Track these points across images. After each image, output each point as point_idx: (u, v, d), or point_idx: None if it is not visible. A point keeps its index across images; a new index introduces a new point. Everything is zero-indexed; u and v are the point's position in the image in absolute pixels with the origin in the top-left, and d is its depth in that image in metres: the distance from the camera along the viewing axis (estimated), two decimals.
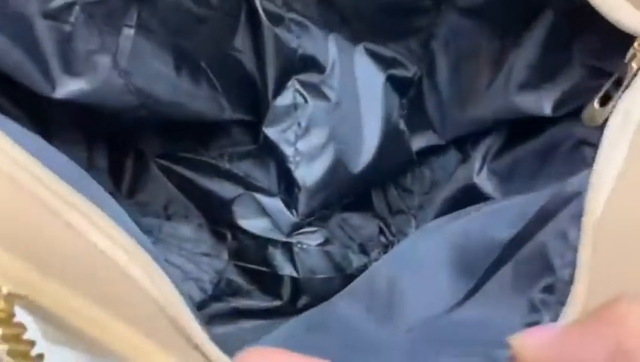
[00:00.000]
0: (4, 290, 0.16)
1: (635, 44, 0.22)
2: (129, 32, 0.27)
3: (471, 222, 0.27)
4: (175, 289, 0.17)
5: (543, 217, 0.21)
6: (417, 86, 0.36)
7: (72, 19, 0.25)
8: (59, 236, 0.15)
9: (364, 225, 0.40)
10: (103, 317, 0.16)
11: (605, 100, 0.24)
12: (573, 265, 0.18)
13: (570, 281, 0.18)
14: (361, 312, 0.26)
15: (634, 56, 0.22)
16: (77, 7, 0.25)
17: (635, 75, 0.21)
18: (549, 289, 0.19)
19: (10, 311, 0.16)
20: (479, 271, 0.23)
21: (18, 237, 0.15)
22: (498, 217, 0.25)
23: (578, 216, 0.18)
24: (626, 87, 0.21)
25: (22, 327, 0.15)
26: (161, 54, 0.29)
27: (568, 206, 0.19)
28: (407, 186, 0.40)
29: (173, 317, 0.17)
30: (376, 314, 0.26)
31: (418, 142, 0.38)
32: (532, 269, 0.19)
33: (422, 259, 0.27)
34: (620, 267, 0.17)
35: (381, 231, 0.40)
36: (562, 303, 0.18)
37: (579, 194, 0.19)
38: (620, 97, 0.22)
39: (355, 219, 0.40)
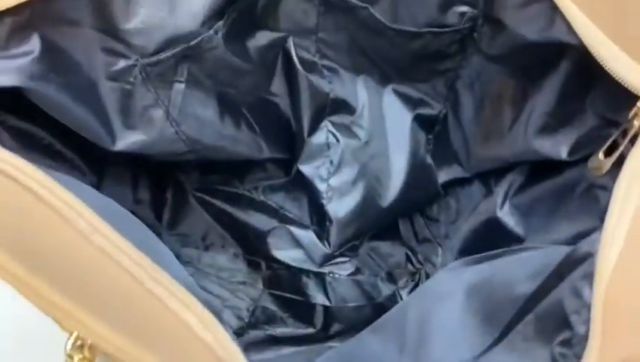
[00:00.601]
0: (90, 341, 0.18)
1: (639, 103, 0.23)
2: (180, 86, 0.30)
3: (494, 268, 0.29)
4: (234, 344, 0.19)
5: (559, 274, 0.22)
6: (443, 122, 0.38)
7: (131, 79, 0.28)
8: (144, 304, 0.17)
9: (392, 253, 0.42)
10: None
11: (612, 151, 0.26)
12: (588, 322, 0.19)
13: (586, 337, 0.19)
14: (393, 352, 0.28)
15: (636, 114, 0.23)
16: (136, 69, 0.28)
17: (638, 133, 0.23)
18: (567, 344, 0.20)
19: (92, 360, 0.18)
20: (503, 320, 0.24)
21: (115, 310, 0.17)
22: (519, 268, 0.26)
23: (591, 276, 0.20)
24: (631, 143, 0.23)
25: None
26: (208, 104, 0.32)
27: (582, 265, 0.21)
28: (434, 216, 0.42)
29: None
30: (406, 353, 0.27)
31: (444, 175, 0.39)
32: (552, 323, 0.21)
33: (450, 302, 0.28)
34: (633, 323, 0.19)
35: (408, 259, 0.42)
36: (579, 357, 0.19)
37: (590, 255, 0.20)
38: (621, 151, 0.24)
39: (383, 247, 0.42)
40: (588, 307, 0.19)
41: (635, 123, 0.24)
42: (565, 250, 0.24)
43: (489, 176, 0.37)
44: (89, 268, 0.18)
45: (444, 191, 0.40)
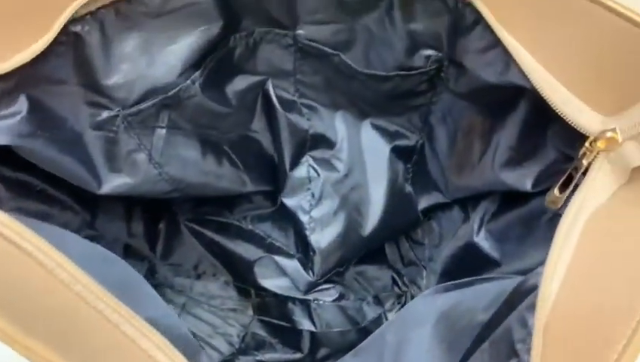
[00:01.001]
0: None
1: (587, 143, 0.25)
2: (161, 131, 0.32)
3: (462, 296, 0.30)
4: None
5: (510, 304, 0.24)
6: (420, 152, 0.40)
7: (114, 128, 0.30)
8: (120, 345, 0.19)
9: (378, 276, 0.44)
10: None
11: (568, 186, 0.27)
12: (530, 351, 0.20)
13: None
14: None
15: (584, 154, 0.25)
16: (119, 118, 0.30)
17: (585, 171, 0.24)
18: None
19: None
20: (464, 347, 0.26)
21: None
22: (481, 297, 0.28)
23: (534, 306, 0.21)
24: (577, 183, 0.24)
25: None
26: (189, 145, 0.34)
27: (529, 296, 0.22)
28: (419, 239, 0.43)
29: None
30: None
31: (425, 201, 0.41)
32: (504, 351, 0.22)
33: (422, 329, 0.30)
34: (571, 352, 0.20)
35: (394, 282, 0.44)
36: None
37: (536, 287, 0.21)
38: (571, 189, 0.25)
39: (370, 271, 0.44)
40: (531, 336, 0.21)
41: (584, 161, 0.25)
42: (518, 281, 0.25)
43: (466, 203, 0.39)
44: (67, 314, 0.20)
45: (428, 215, 0.42)
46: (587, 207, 0.23)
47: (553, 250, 0.22)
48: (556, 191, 0.28)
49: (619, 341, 0.18)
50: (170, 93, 0.30)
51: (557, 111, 0.26)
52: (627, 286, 0.20)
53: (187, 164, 0.34)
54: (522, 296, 0.23)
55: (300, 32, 0.32)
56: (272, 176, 0.40)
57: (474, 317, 0.26)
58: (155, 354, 0.20)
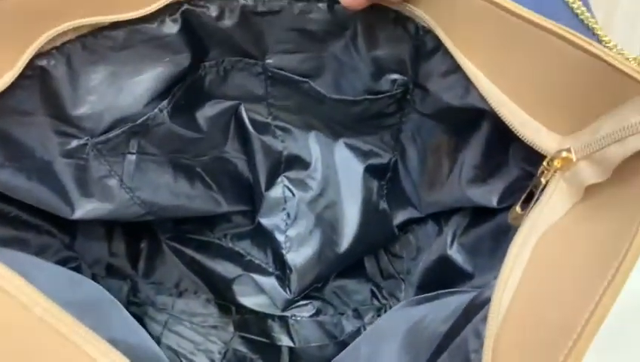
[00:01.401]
0: None
1: (544, 162, 0.25)
2: (131, 157, 0.32)
3: (429, 309, 0.31)
4: None
5: (466, 316, 0.24)
6: (394, 169, 0.40)
7: (84, 155, 0.30)
8: None
9: (357, 289, 0.44)
10: None
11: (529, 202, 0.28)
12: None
13: None
14: None
15: (542, 172, 0.25)
16: (88, 147, 0.30)
17: (542, 189, 0.25)
18: None
19: None
20: (424, 357, 0.26)
21: None
22: (443, 309, 0.28)
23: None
24: (536, 200, 0.25)
25: None
26: (160, 169, 0.34)
27: (483, 308, 0.23)
28: (397, 252, 0.44)
29: None
30: None
31: (401, 216, 0.41)
32: (459, 360, 0.23)
33: (393, 341, 0.30)
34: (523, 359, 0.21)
35: (374, 295, 0.44)
36: None
37: (489, 300, 0.22)
38: (532, 207, 0.26)
39: (349, 285, 0.44)
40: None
41: (542, 180, 0.26)
42: (473, 295, 0.26)
43: (439, 217, 0.39)
44: (28, 336, 0.20)
45: (404, 229, 0.43)
46: (541, 223, 0.23)
47: (506, 264, 0.22)
48: (518, 208, 0.28)
49: (562, 351, 0.19)
50: (138, 122, 0.31)
51: (515, 132, 0.26)
52: (573, 300, 0.20)
53: (159, 187, 0.35)
54: (477, 308, 0.23)
55: (268, 61, 0.33)
56: (248, 195, 0.40)
57: (436, 329, 0.27)
58: None
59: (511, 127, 0.26)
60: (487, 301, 0.23)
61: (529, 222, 0.23)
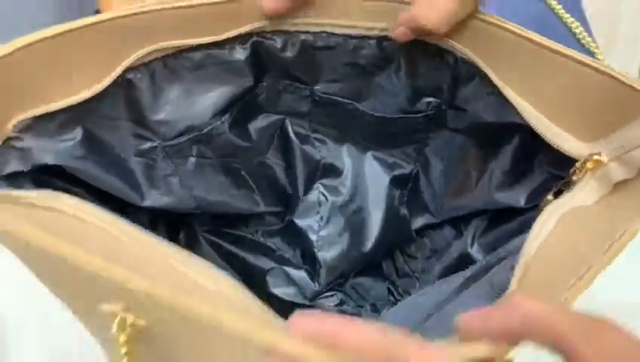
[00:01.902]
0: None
1: (577, 164, 0.30)
2: (192, 159, 0.37)
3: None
4: None
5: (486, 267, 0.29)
6: (415, 179, 0.45)
7: (154, 156, 0.35)
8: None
9: (374, 286, 0.48)
10: None
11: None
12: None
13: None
14: None
15: (574, 172, 0.30)
16: (158, 148, 0.35)
17: (573, 183, 0.30)
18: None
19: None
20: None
21: None
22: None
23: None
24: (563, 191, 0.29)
25: None
26: (213, 171, 0.39)
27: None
28: (412, 253, 0.48)
29: None
30: None
31: (419, 222, 0.46)
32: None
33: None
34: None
35: (390, 292, 0.48)
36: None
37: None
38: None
39: (366, 282, 0.48)
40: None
41: (574, 178, 0.31)
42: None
43: (458, 222, 0.44)
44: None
45: (420, 233, 0.47)
46: (571, 202, 0.28)
47: (537, 222, 0.27)
48: (550, 196, 0.33)
49: (572, 279, 0.23)
50: (204, 131, 0.35)
51: (549, 142, 0.31)
52: (585, 248, 0.25)
53: (211, 186, 0.39)
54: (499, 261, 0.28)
55: (316, 87, 0.38)
56: (282, 198, 0.45)
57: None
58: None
59: (545, 138, 0.31)
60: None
61: (554, 204, 0.29)
